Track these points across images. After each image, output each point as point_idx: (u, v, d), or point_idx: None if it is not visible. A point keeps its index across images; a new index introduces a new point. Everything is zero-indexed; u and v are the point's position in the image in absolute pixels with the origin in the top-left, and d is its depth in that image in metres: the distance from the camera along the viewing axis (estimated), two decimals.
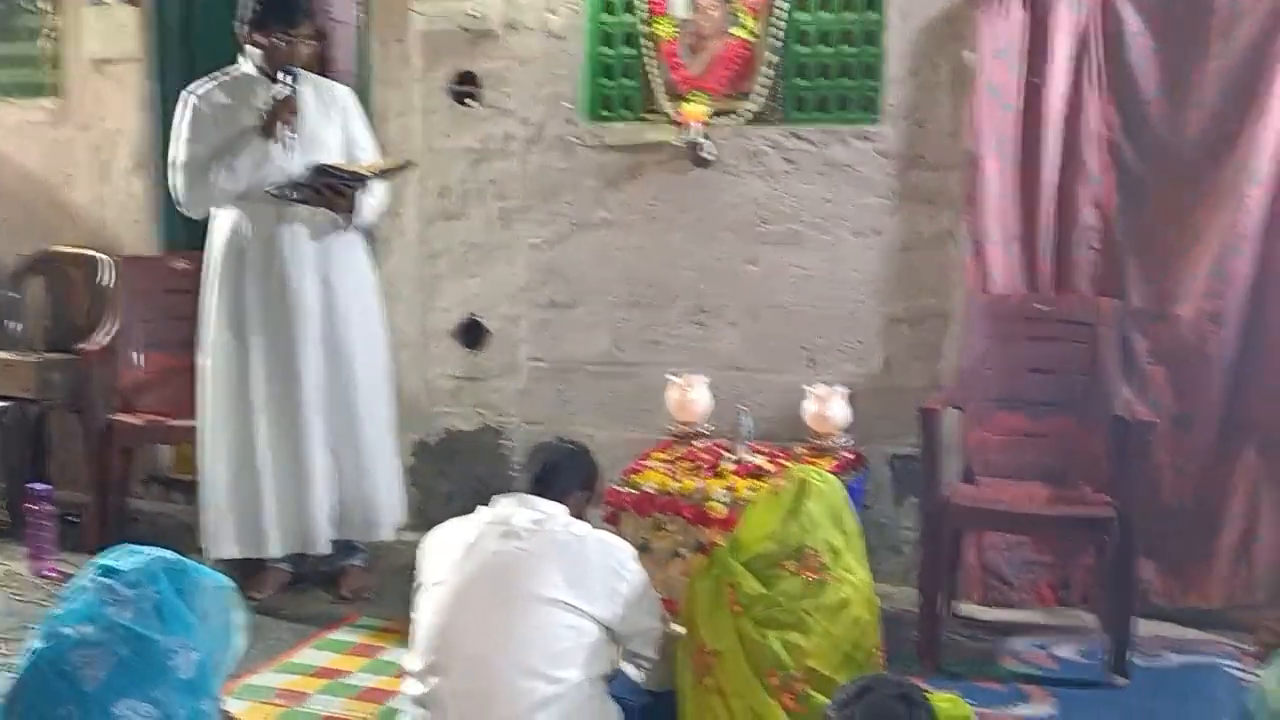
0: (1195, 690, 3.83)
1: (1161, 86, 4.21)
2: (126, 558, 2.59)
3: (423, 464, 5.17)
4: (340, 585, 4.55)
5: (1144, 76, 4.21)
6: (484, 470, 5.06)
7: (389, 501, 4.53)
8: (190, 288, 4.54)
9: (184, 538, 4.34)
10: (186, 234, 4.93)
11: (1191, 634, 4.22)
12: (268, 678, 3.87)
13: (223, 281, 4.33)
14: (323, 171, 4.22)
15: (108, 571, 2.54)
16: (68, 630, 2.46)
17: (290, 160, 4.25)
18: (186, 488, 5.01)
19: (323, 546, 4.40)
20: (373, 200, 4.41)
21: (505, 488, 3.31)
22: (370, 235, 4.64)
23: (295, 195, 4.22)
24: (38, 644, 2.49)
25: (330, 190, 4.24)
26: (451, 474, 5.15)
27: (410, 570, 3.27)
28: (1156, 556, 4.27)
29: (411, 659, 3.14)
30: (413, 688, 3.11)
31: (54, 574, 4.62)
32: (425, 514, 4.57)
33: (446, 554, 3.15)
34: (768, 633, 3.01)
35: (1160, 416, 4.12)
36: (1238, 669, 3.92)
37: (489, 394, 5.12)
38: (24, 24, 5.54)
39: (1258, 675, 2.69)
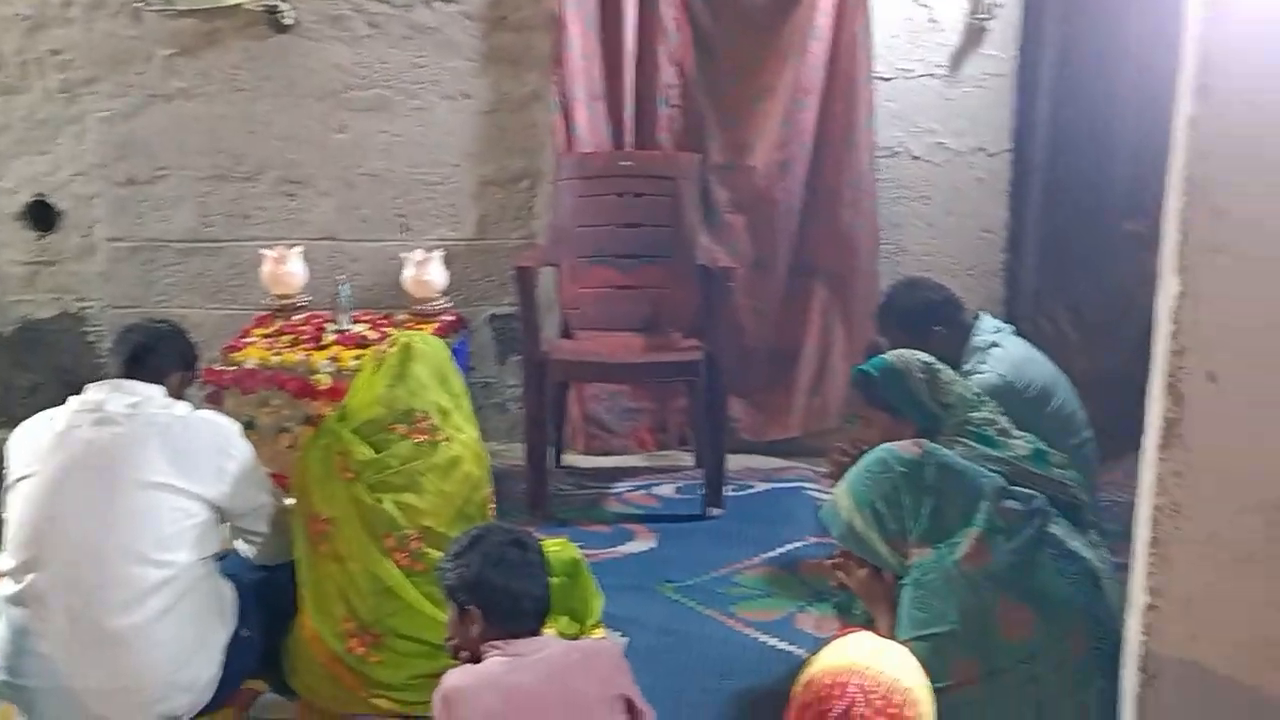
0: (780, 513, 4.16)
1: None
2: None
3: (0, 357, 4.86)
4: None
5: None
6: (68, 359, 4.81)
7: None
8: None
9: None
10: None
11: (776, 463, 4.56)
12: None
13: None
14: None
15: None
16: None
17: None
18: None
19: None
20: None
21: (94, 376, 3.16)
22: None
23: None
24: None
25: None
26: (33, 365, 4.86)
27: None
28: (742, 394, 4.57)
29: (4, 558, 2.99)
30: (6, 587, 2.96)
31: None
32: (8, 410, 4.31)
33: (35, 447, 2.99)
34: (381, 496, 3.05)
35: (739, 262, 4.38)
36: (815, 490, 4.27)
37: (66, 278, 4.84)
38: None
39: (831, 493, 2.96)
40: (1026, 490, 2.65)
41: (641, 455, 4.67)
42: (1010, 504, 2.59)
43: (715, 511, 4.17)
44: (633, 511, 4.23)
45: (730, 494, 4.23)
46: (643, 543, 3.99)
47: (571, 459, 4.59)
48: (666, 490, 4.39)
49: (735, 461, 4.37)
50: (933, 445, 2.69)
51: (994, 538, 2.51)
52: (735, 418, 4.55)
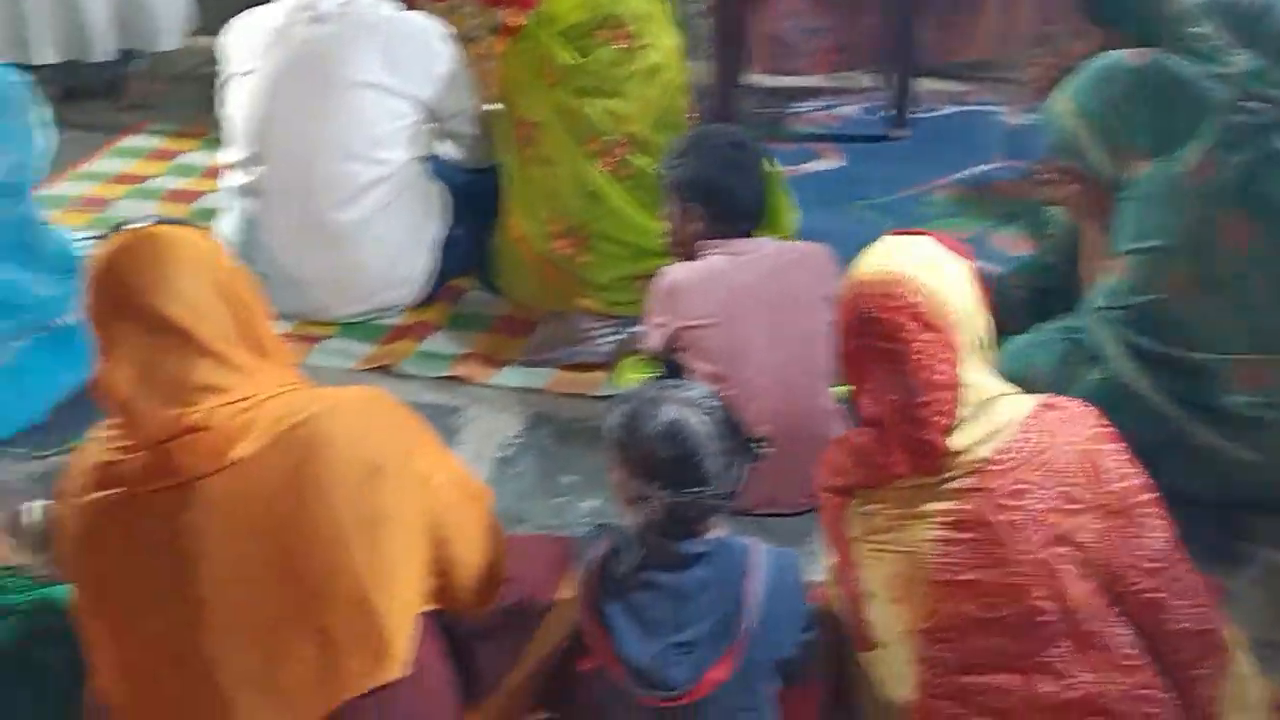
0: (969, 134, 4.09)
1: None
2: None
3: None
4: (124, 93, 4.34)
5: None
6: None
7: (172, 3, 4.25)
8: None
9: None
10: None
11: (961, 86, 4.44)
12: (64, 187, 3.78)
13: None
14: None
15: None
16: None
17: None
18: None
19: (100, 53, 4.15)
20: None
21: None
22: None
23: None
24: None
25: None
26: None
27: (200, 76, 3.16)
28: (930, 14, 4.41)
29: (230, 151, 3.11)
30: (235, 179, 3.10)
31: None
32: (217, 12, 4.31)
33: (253, 44, 3.06)
34: (586, 100, 3.06)
35: None
36: (1005, 113, 4.18)
37: None
38: None
39: (1031, 112, 2.89)
40: (1254, 104, 2.56)
41: (823, 75, 4.58)
42: (1238, 118, 2.51)
43: (900, 133, 4.12)
44: (817, 131, 4.19)
45: (916, 116, 4.17)
46: (829, 162, 3.98)
47: (752, 78, 4.52)
48: (850, 111, 4.32)
49: (921, 84, 4.26)
50: (1160, 54, 2.60)
51: (1220, 151, 2.46)
52: (921, 38, 4.42)
